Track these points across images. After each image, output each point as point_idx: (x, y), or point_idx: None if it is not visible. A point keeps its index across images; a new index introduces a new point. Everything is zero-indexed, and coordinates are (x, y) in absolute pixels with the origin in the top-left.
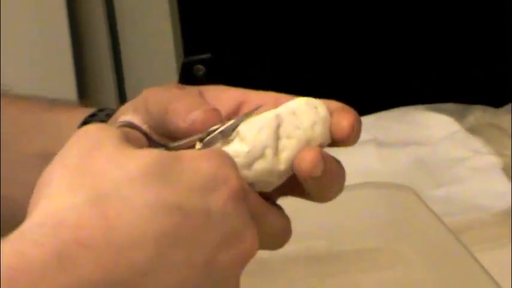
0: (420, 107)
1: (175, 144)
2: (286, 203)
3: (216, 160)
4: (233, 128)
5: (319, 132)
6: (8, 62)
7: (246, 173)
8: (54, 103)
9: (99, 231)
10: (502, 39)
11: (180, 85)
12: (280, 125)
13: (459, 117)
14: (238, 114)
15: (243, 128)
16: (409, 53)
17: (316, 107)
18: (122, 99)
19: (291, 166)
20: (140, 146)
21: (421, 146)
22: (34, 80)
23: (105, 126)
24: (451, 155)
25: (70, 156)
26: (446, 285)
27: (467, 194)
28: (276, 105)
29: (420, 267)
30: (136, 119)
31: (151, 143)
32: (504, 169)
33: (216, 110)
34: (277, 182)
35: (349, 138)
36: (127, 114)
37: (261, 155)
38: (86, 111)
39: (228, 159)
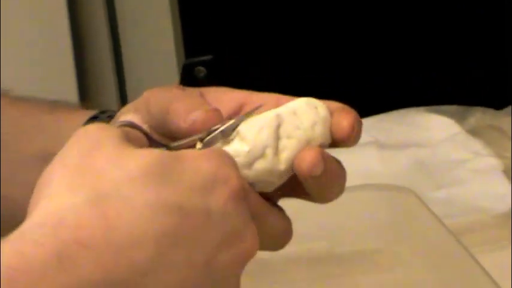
0: (421, 108)
1: (176, 144)
2: (287, 204)
3: (217, 160)
4: (233, 127)
5: (319, 132)
6: (9, 63)
7: (246, 172)
8: (56, 105)
9: (99, 231)
10: (503, 41)
11: (181, 86)
12: (280, 125)
13: (460, 119)
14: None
15: (243, 127)
16: (409, 54)
17: (316, 107)
18: (123, 101)
19: (291, 166)
20: (141, 146)
21: (421, 148)
22: (35, 81)
23: (105, 126)
24: (452, 156)
25: (70, 156)
26: (447, 287)
27: (467, 196)
28: (277, 107)
29: (421, 269)
30: (136, 119)
31: (152, 143)
32: (504, 171)
33: (216, 110)
34: (277, 182)
35: (349, 138)
36: (128, 114)
37: (262, 155)
38: (87, 113)
39: (229, 159)
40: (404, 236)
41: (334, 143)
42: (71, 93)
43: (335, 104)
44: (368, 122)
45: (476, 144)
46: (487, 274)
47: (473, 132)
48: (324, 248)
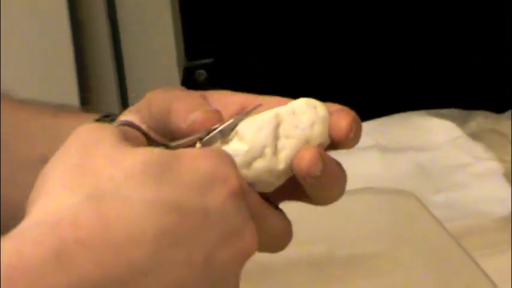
0: (422, 112)
1: (175, 143)
2: (288, 207)
3: (215, 159)
4: (232, 127)
5: (318, 132)
6: (9, 64)
7: (245, 172)
8: (58, 109)
9: (97, 229)
10: (504, 45)
11: (183, 87)
12: (279, 125)
13: (461, 123)
14: None
15: (242, 127)
16: (411, 57)
17: (315, 107)
18: (124, 104)
19: (290, 166)
20: (139, 145)
21: (422, 152)
22: (36, 86)
23: (103, 125)
24: (453, 160)
25: (68, 155)
26: None
27: (468, 200)
28: None
29: (421, 273)
30: (135, 119)
31: (151, 143)
32: (505, 175)
33: (216, 111)
34: (276, 182)
35: (347, 138)
36: (127, 114)
37: (260, 154)
38: (90, 117)
39: (227, 158)
40: (405, 239)
41: (334, 144)
42: (72, 97)
43: (335, 106)
44: (369, 126)
45: (477, 148)
46: (487, 278)
47: (474, 136)
48: (324, 251)
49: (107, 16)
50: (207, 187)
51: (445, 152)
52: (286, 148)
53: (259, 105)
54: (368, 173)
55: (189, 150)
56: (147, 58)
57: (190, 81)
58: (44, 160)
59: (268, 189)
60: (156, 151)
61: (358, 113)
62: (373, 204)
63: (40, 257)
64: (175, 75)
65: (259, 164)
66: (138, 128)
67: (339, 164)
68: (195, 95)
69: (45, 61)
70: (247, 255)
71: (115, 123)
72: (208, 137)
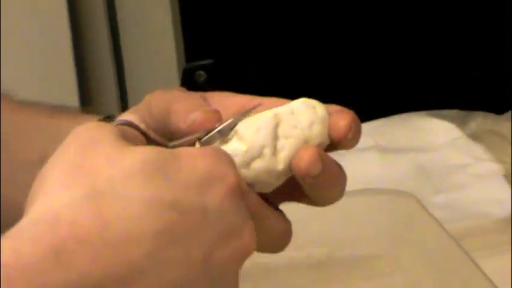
0: (422, 113)
1: (174, 143)
2: (287, 209)
3: (213, 158)
4: (231, 127)
5: (317, 132)
6: (9, 65)
7: (244, 172)
8: (58, 110)
9: (96, 228)
10: (503, 47)
11: (183, 88)
12: (278, 125)
13: (461, 124)
14: None
15: (241, 127)
16: (410, 59)
17: (314, 107)
18: (124, 105)
19: (289, 166)
20: (138, 145)
21: (422, 152)
22: (36, 86)
23: (102, 124)
24: (452, 161)
25: (67, 154)
26: None
27: (468, 201)
28: None
29: (421, 274)
30: (134, 118)
31: (150, 142)
32: (505, 176)
33: (216, 112)
34: (276, 182)
35: (346, 138)
36: (126, 114)
37: (259, 155)
38: (90, 118)
39: (225, 157)
40: (404, 240)
41: (333, 145)
42: (72, 99)
43: (334, 106)
44: (369, 127)
45: (477, 149)
46: (487, 279)
47: (474, 137)
48: (324, 253)
49: (107, 17)
50: (205, 186)
51: (444, 153)
52: (285, 148)
53: (258, 105)
54: (368, 174)
55: (188, 149)
56: (147, 59)
57: (189, 83)
58: (43, 160)
59: (268, 189)
60: (155, 150)
61: (357, 114)
62: (373, 205)
63: (38, 255)
64: (175, 76)
65: (258, 164)
66: (137, 128)
67: (338, 165)
68: (195, 96)
69: (45, 62)
70: (246, 254)
71: (114, 123)
72: (207, 136)
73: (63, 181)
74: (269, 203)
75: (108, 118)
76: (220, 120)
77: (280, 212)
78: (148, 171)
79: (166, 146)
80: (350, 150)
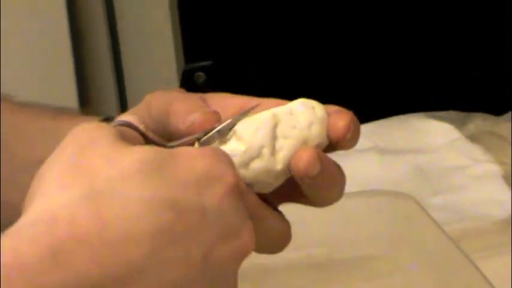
0: (421, 114)
1: (173, 143)
2: (287, 209)
3: (212, 157)
4: (230, 127)
5: (316, 132)
6: (9, 69)
7: (243, 172)
8: (57, 111)
9: (94, 228)
10: (504, 47)
11: (182, 89)
12: (277, 125)
13: (459, 125)
14: None
15: (240, 127)
16: (410, 59)
17: (313, 108)
18: (123, 106)
19: (288, 166)
20: (136, 145)
21: (421, 154)
22: (35, 87)
23: (100, 125)
24: (451, 162)
25: (65, 154)
26: None
27: (467, 202)
28: None
29: (420, 275)
30: (133, 119)
31: (149, 143)
32: (504, 177)
33: (215, 113)
34: (274, 182)
35: (345, 139)
36: (125, 115)
37: (258, 155)
38: (89, 120)
39: (224, 156)
40: (403, 242)
41: (332, 145)
42: (71, 100)
43: (333, 107)
44: (368, 128)
45: (476, 150)
46: (486, 280)
47: (473, 138)
48: (323, 254)
49: (106, 18)
50: (204, 185)
51: (443, 154)
52: (284, 148)
53: (257, 106)
54: (366, 175)
55: (186, 148)
56: (146, 60)
57: (189, 84)
58: (43, 161)
59: (267, 190)
60: (153, 149)
61: (357, 114)
62: (371, 207)
63: (36, 256)
64: (174, 77)
65: (257, 165)
66: (136, 128)
67: (337, 165)
68: (194, 97)
69: (44, 62)
70: (245, 254)
71: (112, 123)
72: (206, 137)
73: (61, 181)
74: (268, 204)
75: (108, 119)
76: (219, 121)
77: (279, 212)
78: (147, 171)
79: (165, 147)
80: (349, 152)
